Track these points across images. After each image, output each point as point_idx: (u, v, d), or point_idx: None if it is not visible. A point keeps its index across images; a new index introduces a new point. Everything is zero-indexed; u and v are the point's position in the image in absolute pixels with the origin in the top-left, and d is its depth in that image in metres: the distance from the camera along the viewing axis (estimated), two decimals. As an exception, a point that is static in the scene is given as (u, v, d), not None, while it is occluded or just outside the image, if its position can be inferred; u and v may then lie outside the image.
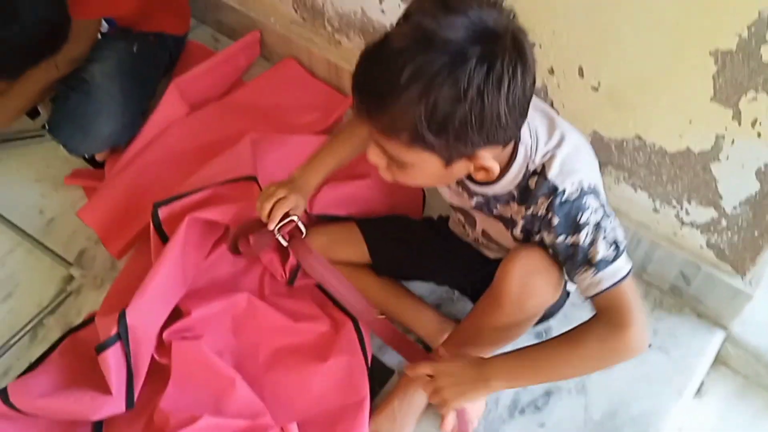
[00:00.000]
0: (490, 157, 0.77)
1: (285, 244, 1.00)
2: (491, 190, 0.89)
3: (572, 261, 0.82)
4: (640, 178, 1.07)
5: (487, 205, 0.93)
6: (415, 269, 1.18)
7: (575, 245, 0.81)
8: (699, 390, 1.13)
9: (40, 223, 1.36)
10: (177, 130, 1.38)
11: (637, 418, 1.04)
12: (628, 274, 0.80)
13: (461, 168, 0.78)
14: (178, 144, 1.35)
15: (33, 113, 1.44)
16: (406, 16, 0.72)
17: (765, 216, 0.95)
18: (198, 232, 1.11)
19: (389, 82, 0.68)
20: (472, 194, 0.93)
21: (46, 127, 1.32)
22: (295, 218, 0.99)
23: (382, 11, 1.26)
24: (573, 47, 0.99)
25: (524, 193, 0.85)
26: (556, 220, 0.81)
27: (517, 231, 0.91)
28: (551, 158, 0.82)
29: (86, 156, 1.39)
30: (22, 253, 1.32)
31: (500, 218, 0.93)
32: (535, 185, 0.83)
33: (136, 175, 1.30)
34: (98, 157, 1.38)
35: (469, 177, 0.86)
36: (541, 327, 1.12)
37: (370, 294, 1.15)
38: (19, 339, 1.19)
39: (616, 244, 0.80)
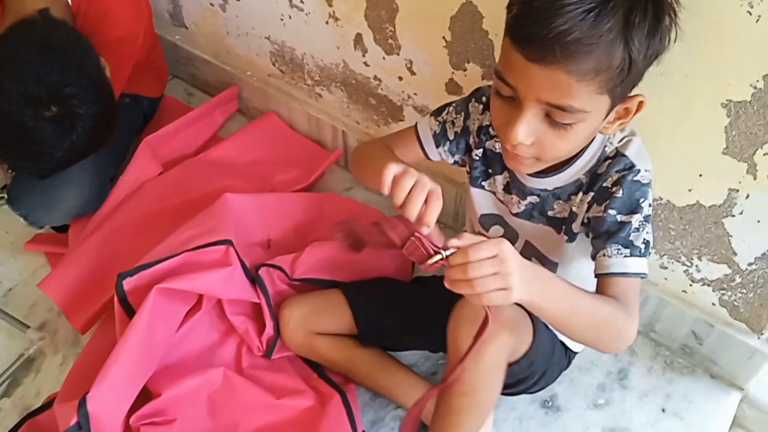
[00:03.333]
0: (640, 96, 0.74)
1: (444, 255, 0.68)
2: (556, 181, 0.84)
3: (612, 237, 0.79)
4: (646, 234, 1.01)
5: (541, 206, 0.87)
6: (406, 337, 1.09)
7: (624, 224, 0.78)
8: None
9: (-3, 293, 1.24)
10: (148, 191, 1.29)
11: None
12: (645, 276, 0.79)
13: (610, 117, 0.75)
14: (148, 206, 1.26)
15: None
16: None
17: (784, 272, 0.90)
18: (167, 304, 1.01)
19: (590, 20, 0.64)
20: (526, 194, 0.87)
21: (5, 197, 1.21)
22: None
23: (366, 64, 1.21)
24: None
25: (594, 180, 0.81)
26: (619, 194, 0.78)
27: (577, 224, 0.85)
28: (628, 142, 0.81)
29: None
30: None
31: (553, 220, 0.87)
32: (608, 167, 0.80)
33: (102, 242, 1.20)
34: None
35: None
36: (546, 394, 1.05)
37: (356, 368, 1.08)
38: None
39: (649, 244, 0.80)
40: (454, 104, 0.92)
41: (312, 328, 1.06)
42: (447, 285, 0.67)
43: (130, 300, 1.02)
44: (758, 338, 1.00)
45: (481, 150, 0.91)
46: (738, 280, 0.96)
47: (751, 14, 0.74)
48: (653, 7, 0.67)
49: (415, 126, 0.95)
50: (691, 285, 1.02)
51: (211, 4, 1.42)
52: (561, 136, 0.72)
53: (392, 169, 0.70)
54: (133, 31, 1.24)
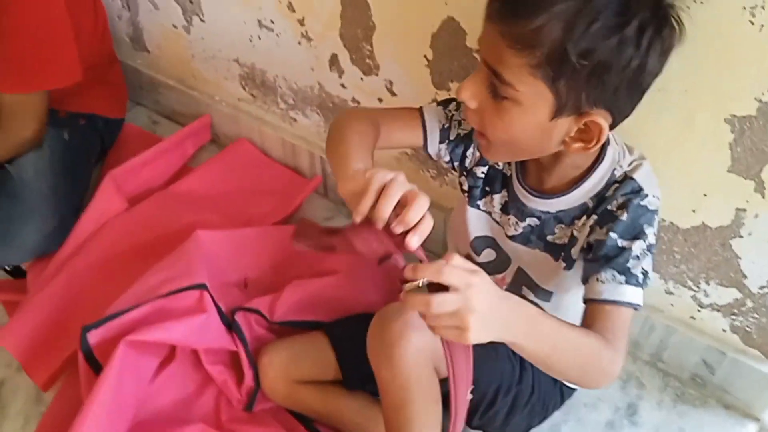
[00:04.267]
0: (603, 121, 0.67)
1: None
2: (561, 203, 0.78)
3: (609, 262, 0.73)
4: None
5: (540, 229, 0.81)
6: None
7: (624, 249, 0.73)
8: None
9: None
10: (113, 229, 1.20)
11: None
12: (638, 308, 0.73)
13: (563, 127, 0.68)
14: (114, 246, 1.17)
15: None
16: None
17: (799, 295, 0.85)
18: (136, 357, 0.93)
19: None
20: (525, 215, 0.81)
21: None
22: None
23: (343, 85, 1.14)
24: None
25: (599, 204, 0.76)
26: (623, 217, 0.74)
27: (576, 250, 0.79)
28: (638, 166, 0.76)
29: (6, 267, 1.19)
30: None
31: (552, 246, 0.82)
32: (614, 191, 0.75)
33: (64, 287, 1.10)
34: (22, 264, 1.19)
35: (532, 188, 0.80)
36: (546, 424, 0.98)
37: (345, 418, 1.00)
38: None
39: (647, 275, 0.74)
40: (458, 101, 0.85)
41: (294, 375, 0.99)
42: (401, 298, 0.60)
43: (96, 354, 0.93)
44: (773, 364, 0.94)
45: (486, 167, 0.85)
46: (749, 304, 0.90)
47: (753, 23, 0.70)
48: (622, 8, 0.61)
49: (420, 110, 0.86)
50: (699, 311, 0.96)
51: (174, 26, 1.34)
52: (498, 112, 0.68)
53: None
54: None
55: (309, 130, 1.29)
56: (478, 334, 0.59)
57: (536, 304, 0.70)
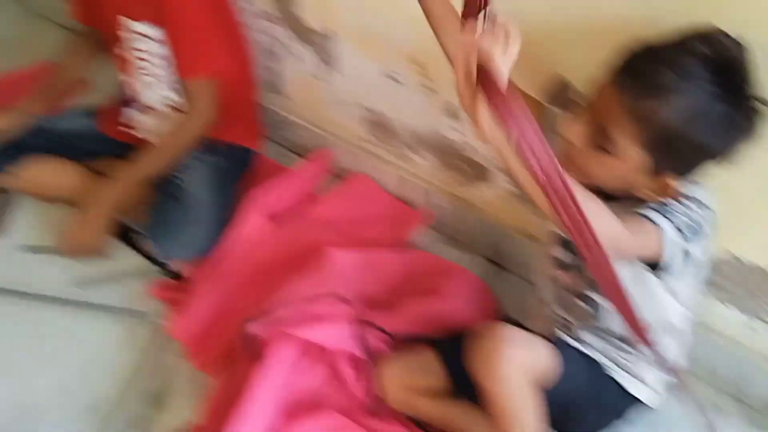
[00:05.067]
0: (675, 183, 0.80)
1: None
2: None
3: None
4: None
5: None
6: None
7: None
8: None
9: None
10: (257, 244, 1.42)
11: None
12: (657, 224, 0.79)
13: (641, 179, 0.81)
14: (260, 256, 1.39)
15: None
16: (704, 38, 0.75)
17: None
18: (286, 348, 1.15)
19: (673, 78, 0.72)
20: None
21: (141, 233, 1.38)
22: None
23: (456, 130, 1.31)
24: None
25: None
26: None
27: None
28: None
29: (170, 269, 1.43)
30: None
31: None
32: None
33: (221, 288, 1.34)
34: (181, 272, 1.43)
35: None
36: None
37: (454, 423, 1.15)
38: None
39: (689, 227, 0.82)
40: None
41: (409, 385, 1.15)
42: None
43: (252, 343, 1.16)
44: None
45: None
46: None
47: None
48: (728, 107, 0.73)
49: None
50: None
51: (314, 76, 1.53)
52: (593, 158, 0.81)
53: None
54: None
55: (423, 169, 1.47)
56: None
57: None
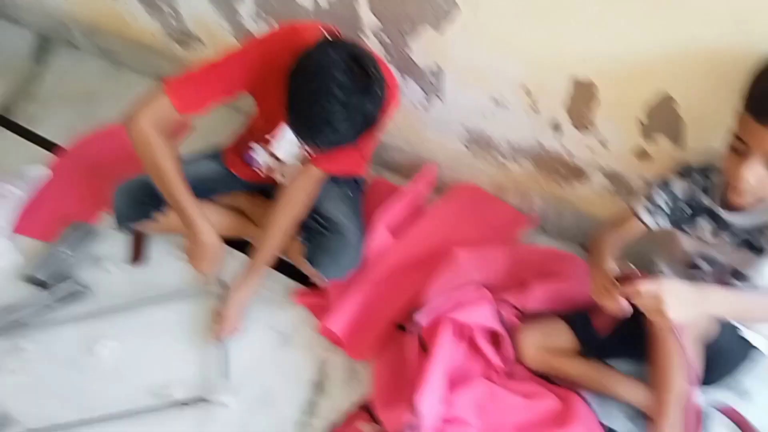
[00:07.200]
0: None
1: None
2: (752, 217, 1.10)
3: None
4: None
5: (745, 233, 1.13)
6: (616, 350, 1.40)
7: None
8: None
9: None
10: (387, 253, 1.65)
11: None
12: None
13: None
14: (392, 264, 1.63)
15: None
16: None
17: None
18: (447, 331, 1.38)
19: None
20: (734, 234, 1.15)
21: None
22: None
23: (560, 143, 1.49)
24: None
25: None
26: None
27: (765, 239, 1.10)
28: None
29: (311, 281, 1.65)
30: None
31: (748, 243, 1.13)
32: None
33: (366, 289, 1.57)
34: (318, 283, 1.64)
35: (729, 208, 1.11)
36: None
37: (586, 376, 1.38)
38: None
39: None
40: None
41: (546, 346, 1.39)
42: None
43: (417, 330, 1.39)
44: None
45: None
46: None
47: None
48: None
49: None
50: None
51: (414, 105, 1.66)
52: None
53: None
54: None
55: (521, 176, 1.65)
56: (677, 314, 0.96)
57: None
